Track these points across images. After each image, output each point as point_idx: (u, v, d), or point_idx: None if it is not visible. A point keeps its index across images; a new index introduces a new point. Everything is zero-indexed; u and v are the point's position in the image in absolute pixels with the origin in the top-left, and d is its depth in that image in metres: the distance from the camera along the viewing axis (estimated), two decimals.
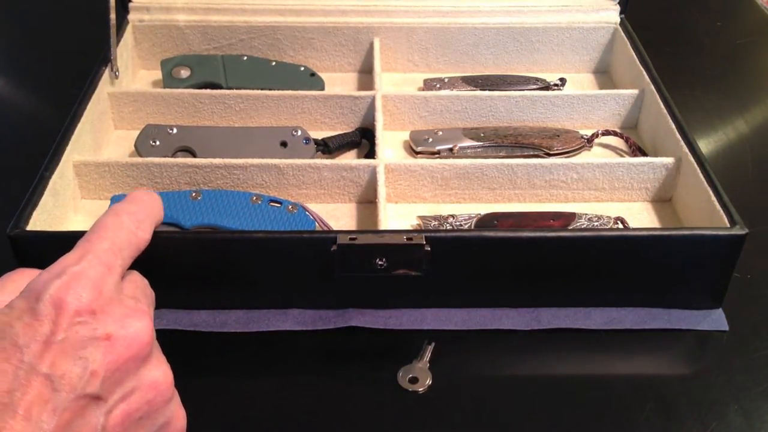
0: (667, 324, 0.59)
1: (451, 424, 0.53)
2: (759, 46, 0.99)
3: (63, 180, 0.63)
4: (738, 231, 0.57)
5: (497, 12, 0.83)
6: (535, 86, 0.81)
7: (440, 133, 0.74)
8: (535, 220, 0.66)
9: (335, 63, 0.85)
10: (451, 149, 0.73)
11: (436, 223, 0.65)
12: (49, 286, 0.39)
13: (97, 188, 0.68)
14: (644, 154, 0.73)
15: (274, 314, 0.59)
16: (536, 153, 0.73)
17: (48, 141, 0.65)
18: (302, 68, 0.82)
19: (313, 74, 0.81)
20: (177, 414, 0.44)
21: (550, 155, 0.73)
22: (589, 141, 0.75)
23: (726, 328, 0.60)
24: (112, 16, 0.73)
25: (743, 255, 0.58)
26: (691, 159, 0.65)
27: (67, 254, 0.42)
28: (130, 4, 0.81)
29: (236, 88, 0.77)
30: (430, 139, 0.74)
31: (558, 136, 0.74)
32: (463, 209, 0.68)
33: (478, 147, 0.73)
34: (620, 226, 0.65)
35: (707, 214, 0.61)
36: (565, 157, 0.73)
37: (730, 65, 0.94)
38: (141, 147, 0.70)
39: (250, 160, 0.66)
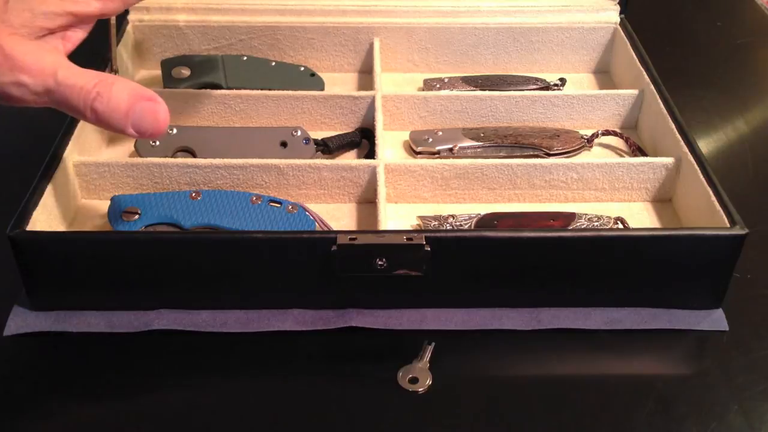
0: (667, 324, 0.59)
1: (451, 424, 0.53)
2: (759, 46, 0.99)
3: (63, 180, 0.63)
4: (738, 231, 0.57)
5: (497, 12, 0.83)
6: (535, 86, 0.81)
7: (440, 133, 0.74)
8: (535, 220, 0.66)
9: (335, 63, 0.85)
10: (451, 149, 0.73)
11: (436, 223, 0.65)
12: None
13: (97, 188, 0.68)
14: (644, 154, 0.73)
15: (274, 314, 0.59)
16: (536, 153, 0.73)
17: (48, 141, 0.65)
18: (302, 68, 0.82)
19: (313, 74, 0.81)
20: None
21: (550, 155, 0.73)
22: (589, 141, 0.75)
23: (726, 328, 0.60)
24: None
25: (743, 255, 0.58)
26: (691, 159, 0.65)
27: None
28: None
29: (236, 88, 0.77)
30: (430, 139, 0.74)
31: (558, 136, 0.74)
32: (463, 209, 0.68)
33: (478, 147, 0.73)
34: (620, 226, 0.65)
35: (707, 214, 0.61)
36: (565, 157, 0.73)
37: (730, 65, 0.94)
38: (141, 147, 0.70)
39: (250, 160, 0.66)
